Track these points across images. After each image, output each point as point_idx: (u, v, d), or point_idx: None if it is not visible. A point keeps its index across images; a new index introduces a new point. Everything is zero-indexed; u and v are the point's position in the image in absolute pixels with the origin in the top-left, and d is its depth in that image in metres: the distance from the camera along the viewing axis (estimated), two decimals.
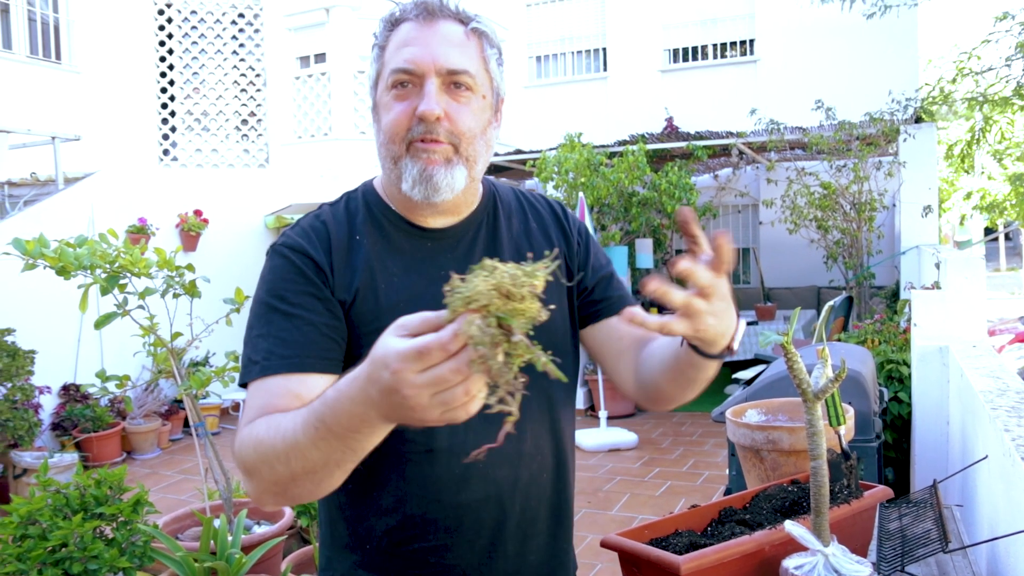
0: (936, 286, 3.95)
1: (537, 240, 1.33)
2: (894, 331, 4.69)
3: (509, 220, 1.33)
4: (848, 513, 1.44)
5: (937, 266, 4.13)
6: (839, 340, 4.93)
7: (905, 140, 7.16)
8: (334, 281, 1.16)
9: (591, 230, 5.77)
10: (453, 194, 1.18)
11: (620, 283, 1.39)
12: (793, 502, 1.56)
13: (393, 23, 1.19)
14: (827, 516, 1.24)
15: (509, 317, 0.70)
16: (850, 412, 1.87)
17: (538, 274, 0.74)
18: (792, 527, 1.23)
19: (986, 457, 1.96)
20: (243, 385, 1.12)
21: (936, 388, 3.35)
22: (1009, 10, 8.07)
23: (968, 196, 16.77)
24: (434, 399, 0.71)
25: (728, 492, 2.26)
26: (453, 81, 1.14)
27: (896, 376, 3.83)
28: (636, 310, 0.91)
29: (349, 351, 1.15)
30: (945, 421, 3.34)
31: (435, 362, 0.70)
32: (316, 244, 1.18)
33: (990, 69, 8.42)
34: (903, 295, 7.27)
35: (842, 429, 1.58)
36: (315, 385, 1.07)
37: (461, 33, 1.17)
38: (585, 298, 1.33)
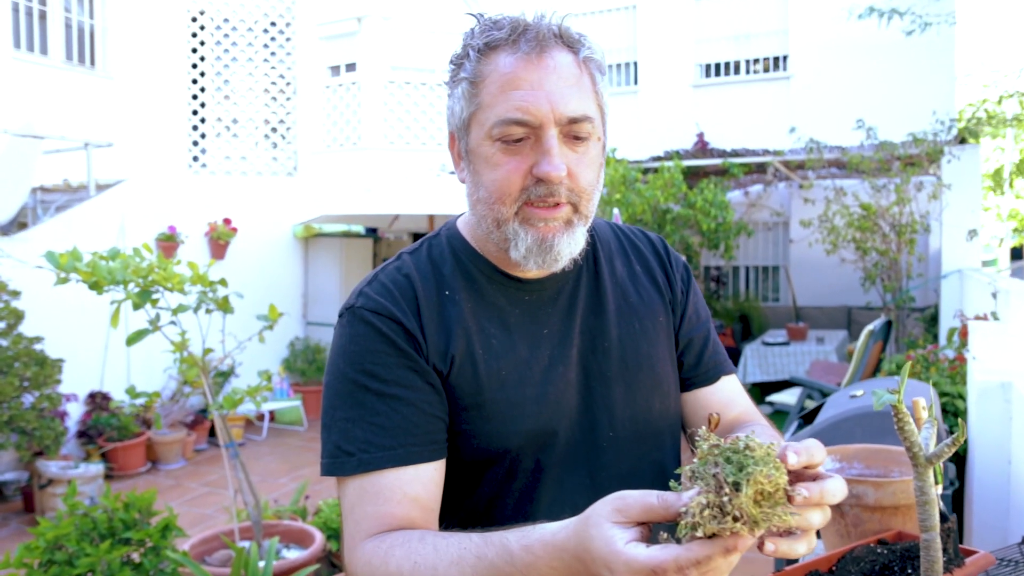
0: (993, 316, 3.79)
1: (644, 287, 1.17)
2: (937, 359, 4.52)
3: (611, 263, 1.17)
4: None
5: (994, 295, 3.96)
6: (889, 371, 4.76)
7: (949, 161, 6.98)
8: (428, 348, 1.00)
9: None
10: (572, 258, 1.03)
11: (717, 344, 1.23)
12: (884, 566, 1.43)
13: (486, 50, 0.98)
14: None
15: (762, 523, 0.62)
16: None
17: (779, 464, 0.65)
18: None
19: None
20: (331, 474, 0.99)
21: (997, 426, 3.19)
22: None
23: (1008, 216, 16.50)
24: None
25: None
26: (573, 130, 0.96)
27: (951, 410, 3.67)
28: (810, 451, 0.72)
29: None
30: (1007, 460, 3.18)
31: None
32: (402, 305, 1.01)
33: None
34: (943, 320, 7.08)
35: (939, 488, 1.45)
36: (429, 479, 0.95)
37: (574, 65, 0.97)
38: (677, 358, 1.19)
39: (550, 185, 0.95)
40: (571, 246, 1.00)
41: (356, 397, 0.98)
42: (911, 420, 1.17)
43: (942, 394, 3.82)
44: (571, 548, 0.71)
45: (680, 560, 0.62)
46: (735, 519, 0.61)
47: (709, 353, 1.21)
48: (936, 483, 1.45)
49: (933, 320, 7.79)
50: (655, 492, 0.67)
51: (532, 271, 1.07)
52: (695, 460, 0.67)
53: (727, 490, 0.62)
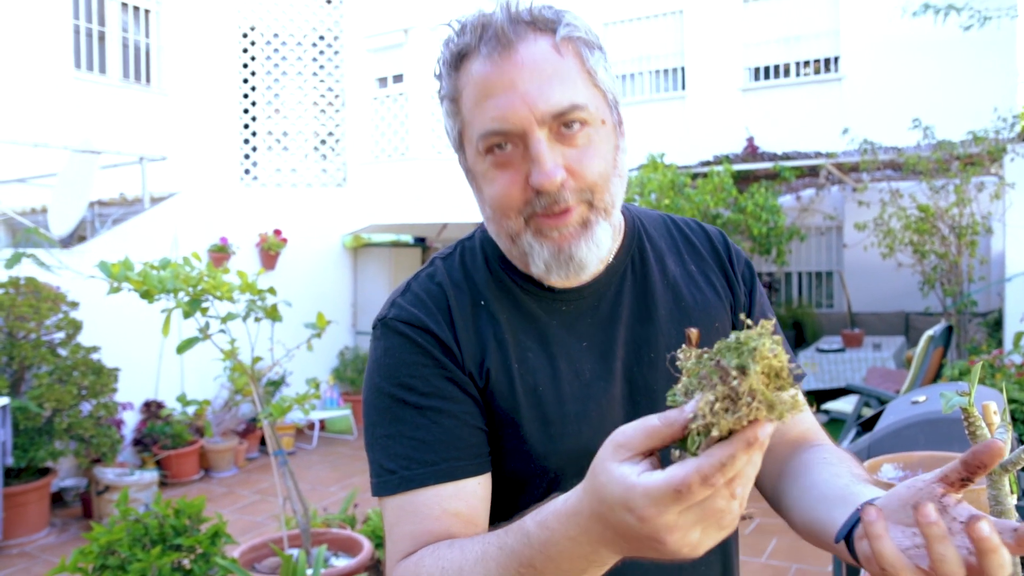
0: None
1: (699, 288, 1.06)
2: (1003, 365, 4.35)
3: (662, 262, 1.06)
4: None
5: None
6: (952, 377, 4.59)
7: (1012, 160, 6.73)
8: (463, 358, 0.94)
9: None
10: (602, 260, 0.95)
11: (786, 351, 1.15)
12: None
13: (456, 61, 0.90)
14: None
15: (780, 412, 0.55)
16: None
17: (778, 339, 0.59)
18: None
19: None
20: (377, 495, 0.94)
21: None
22: None
23: None
24: (704, 533, 0.59)
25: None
26: (563, 123, 0.87)
27: (1020, 419, 3.52)
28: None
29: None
30: None
31: (700, 499, 0.56)
32: (436, 315, 0.95)
33: None
34: (1008, 324, 6.82)
35: (1014, 498, 1.37)
36: (472, 493, 0.89)
37: (551, 51, 0.87)
38: None
39: (551, 194, 0.87)
40: (594, 250, 0.91)
41: (394, 412, 0.92)
42: (984, 425, 1.09)
43: (1010, 401, 3.66)
44: (585, 509, 0.65)
45: (703, 469, 0.55)
46: (748, 405, 0.54)
47: None
48: (1012, 492, 1.37)
49: (997, 325, 7.51)
50: (654, 415, 0.60)
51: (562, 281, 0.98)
52: (683, 378, 0.60)
53: (734, 374, 0.55)
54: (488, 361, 0.94)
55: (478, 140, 0.88)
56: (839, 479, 0.88)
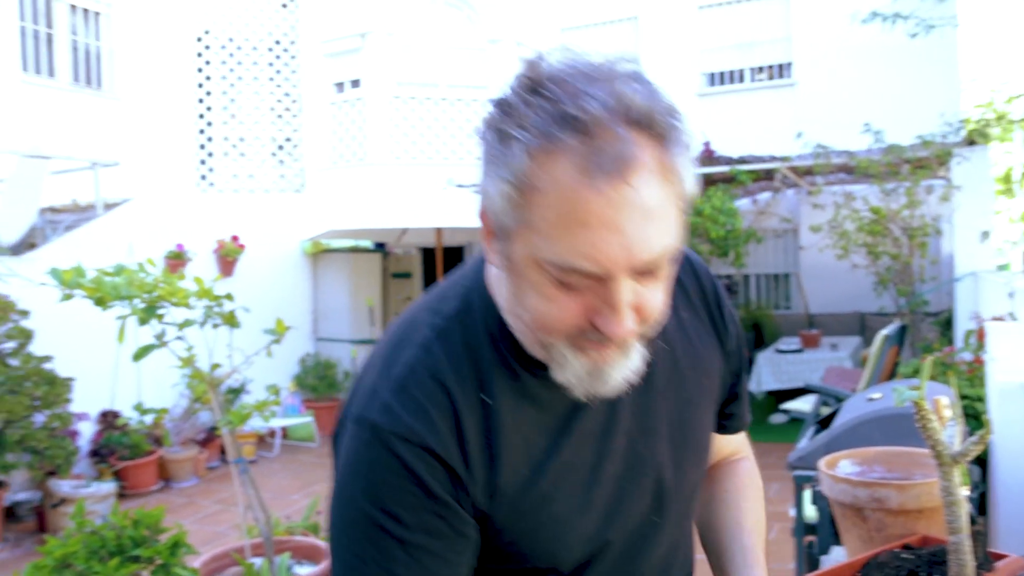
0: (1011, 317, 3.74)
1: (693, 345, 1.00)
2: (954, 362, 4.47)
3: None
4: None
5: (1011, 296, 3.91)
6: (905, 375, 4.70)
7: (959, 163, 6.92)
8: (470, 480, 0.83)
9: None
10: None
11: (746, 390, 1.15)
12: (910, 572, 1.38)
13: (541, 152, 0.71)
14: None
15: None
16: None
17: None
18: None
19: None
20: None
21: (1020, 427, 3.13)
22: None
23: (1020, 219, 16.41)
24: None
25: (817, 551, 2.09)
26: (649, 268, 0.75)
27: (970, 413, 3.62)
28: None
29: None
30: None
31: None
32: (440, 428, 0.81)
33: None
34: (958, 323, 7.00)
35: (965, 489, 1.41)
36: None
37: (661, 179, 0.73)
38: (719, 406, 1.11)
39: (612, 337, 0.77)
40: (627, 371, 0.82)
41: (371, 535, 0.81)
42: (935, 418, 1.13)
43: (961, 397, 3.76)
44: None
45: None
46: None
47: (743, 407, 1.14)
48: (963, 484, 1.41)
49: (948, 324, 7.71)
50: None
51: None
52: None
53: None
54: (498, 475, 0.85)
55: (548, 263, 0.73)
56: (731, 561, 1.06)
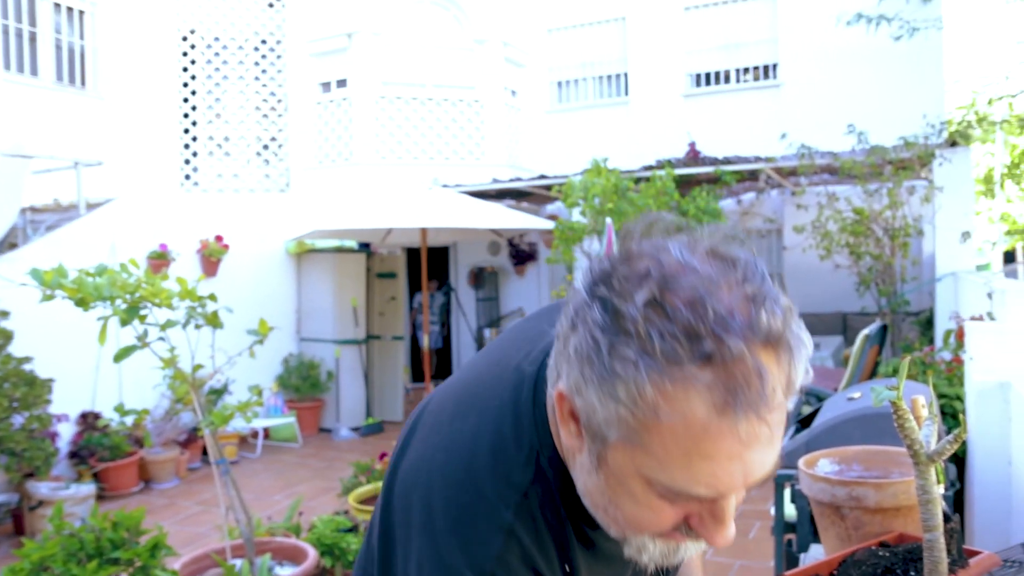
0: (989, 316, 3.77)
1: None
2: (934, 362, 4.50)
3: None
4: None
5: (989, 296, 3.94)
6: (886, 374, 4.73)
7: (941, 164, 6.98)
8: None
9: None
10: None
11: None
12: (886, 569, 1.40)
13: (667, 382, 0.66)
14: None
15: None
16: None
17: None
18: None
19: None
20: None
21: (996, 426, 3.16)
22: None
23: (999, 220, 16.59)
24: None
25: (796, 549, 2.10)
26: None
27: (949, 412, 3.65)
28: None
29: None
30: (1007, 461, 3.14)
31: None
32: None
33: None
34: (939, 323, 7.06)
35: (941, 488, 1.42)
36: None
37: (786, 394, 0.69)
38: None
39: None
40: (693, 547, 0.80)
41: None
42: (911, 418, 1.14)
43: (940, 396, 3.79)
44: None
45: None
46: None
47: None
48: (938, 482, 1.42)
49: (928, 323, 7.77)
50: None
51: None
52: None
53: None
54: None
55: (661, 484, 0.71)
56: None
